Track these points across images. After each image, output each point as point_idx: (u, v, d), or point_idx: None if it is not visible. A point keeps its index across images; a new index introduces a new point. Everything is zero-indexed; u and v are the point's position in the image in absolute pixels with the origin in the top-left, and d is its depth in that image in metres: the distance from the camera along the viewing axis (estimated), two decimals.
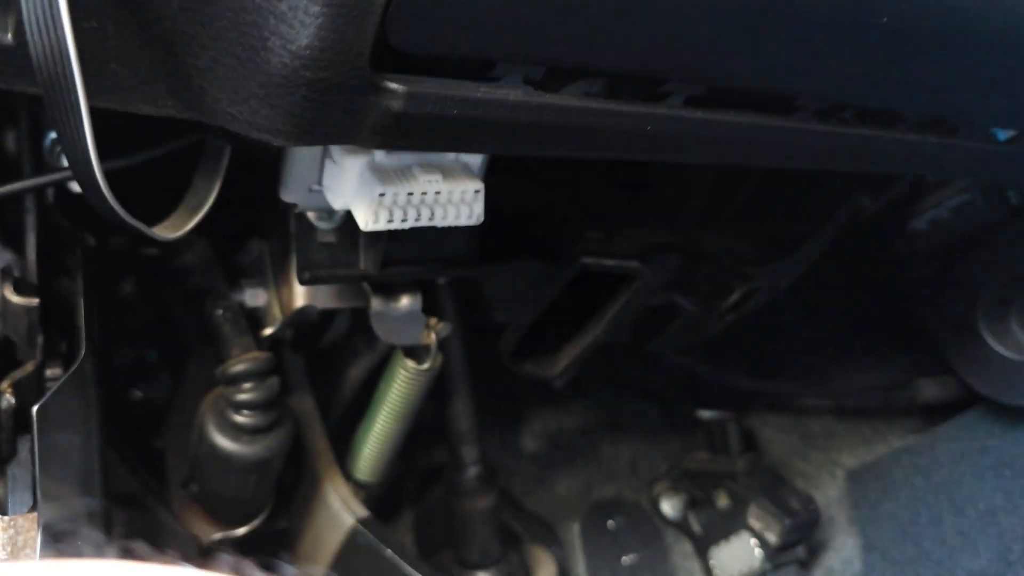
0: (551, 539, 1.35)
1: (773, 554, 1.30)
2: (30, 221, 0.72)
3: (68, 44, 0.42)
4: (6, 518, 0.65)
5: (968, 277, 1.26)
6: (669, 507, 1.43)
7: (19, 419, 0.70)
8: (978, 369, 1.27)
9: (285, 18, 0.45)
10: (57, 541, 0.65)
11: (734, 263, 1.01)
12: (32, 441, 0.67)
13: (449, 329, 0.87)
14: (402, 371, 0.92)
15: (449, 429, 1.13)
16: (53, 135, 0.72)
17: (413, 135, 0.53)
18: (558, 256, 0.86)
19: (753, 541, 1.31)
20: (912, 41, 0.64)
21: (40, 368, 0.72)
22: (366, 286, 0.84)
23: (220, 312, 0.87)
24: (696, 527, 1.39)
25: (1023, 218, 1.20)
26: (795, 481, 1.45)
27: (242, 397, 0.83)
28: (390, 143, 0.53)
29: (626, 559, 1.37)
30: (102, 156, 0.47)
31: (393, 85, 0.49)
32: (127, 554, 0.66)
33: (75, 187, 0.70)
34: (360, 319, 0.95)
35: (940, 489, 1.28)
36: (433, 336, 0.86)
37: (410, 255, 0.77)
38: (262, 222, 0.91)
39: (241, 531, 0.93)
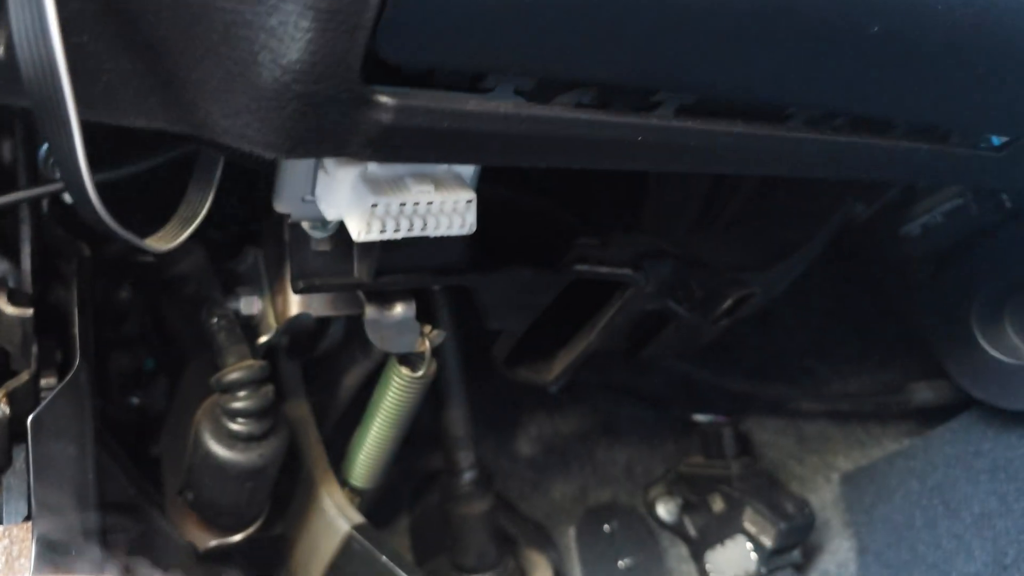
0: (547, 543, 1.35)
1: (768, 558, 1.30)
2: (25, 231, 0.72)
3: (58, 59, 0.42)
4: (1, 528, 0.65)
5: (961, 281, 1.26)
6: (665, 511, 1.43)
7: (14, 429, 0.70)
8: (972, 373, 1.27)
9: (275, 33, 0.45)
10: (52, 551, 0.65)
11: (728, 269, 1.02)
12: (27, 451, 0.67)
13: (443, 336, 0.87)
14: (396, 379, 0.92)
15: (445, 434, 1.13)
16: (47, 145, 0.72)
17: (404, 147, 0.53)
18: (552, 264, 0.86)
19: (748, 545, 1.31)
20: (903, 50, 0.64)
21: (35, 378, 0.73)
22: (360, 294, 0.84)
23: (215, 320, 0.87)
24: (692, 531, 1.40)
25: (1016, 222, 1.21)
26: (790, 485, 1.46)
27: (237, 405, 0.83)
28: (381, 155, 0.53)
29: (622, 563, 1.37)
30: (96, 167, 0.47)
31: (383, 98, 0.50)
32: (126, 573, 0.67)
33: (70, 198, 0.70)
34: (356, 326, 0.95)
35: (935, 492, 1.29)
36: (427, 344, 0.86)
37: (404, 263, 0.77)
38: (257, 230, 0.92)
39: (237, 538, 0.93)
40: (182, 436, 0.92)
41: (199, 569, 0.89)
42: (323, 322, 0.99)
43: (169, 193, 0.68)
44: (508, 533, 1.27)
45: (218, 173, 0.64)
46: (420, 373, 0.91)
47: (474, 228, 0.63)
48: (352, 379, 1.06)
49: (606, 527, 1.41)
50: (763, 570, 1.31)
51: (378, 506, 1.12)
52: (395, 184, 0.61)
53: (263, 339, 0.90)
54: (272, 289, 0.90)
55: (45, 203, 0.77)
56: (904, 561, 1.27)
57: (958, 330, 1.26)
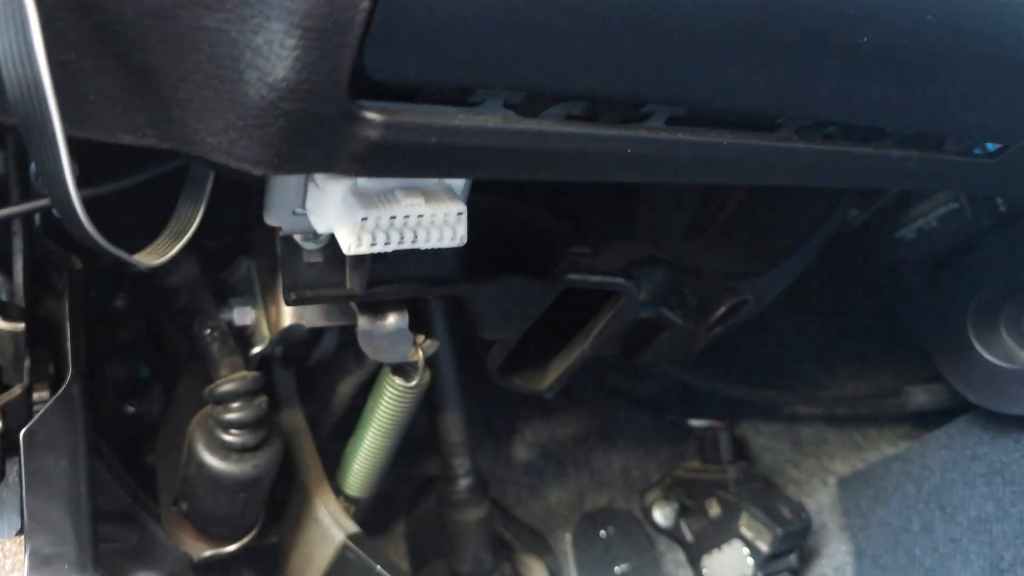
0: (543, 549, 1.35)
1: (765, 562, 1.31)
2: (17, 244, 0.72)
3: (43, 78, 0.42)
4: None
5: (957, 285, 1.26)
6: (661, 516, 1.43)
7: (7, 442, 0.70)
8: (968, 376, 1.28)
9: (261, 51, 0.45)
10: (46, 565, 0.65)
11: (721, 276, 1.01)
12: (20, 464, 0.67)
13: (436, 346, 0.87)
14: (390, 388, 0.92)
15: (441, 440, 1.13)
16: None
17: (393, 163, 0.53)
18: (544, 273, 0.86)
19: (745, 549, 1.31)
20: (894, 60, 0.64)
21: (28, 391, 0.73)
22: (353, 305, 0.84)
23: (208, 331, 0.87)
24: (688, 536, 1.40)
25: (1011, 226, 1.21)
26: (787, 489, 1.46)
27: (230, 416, 0.83)
28: (370, 171, 0.53)
29: (618, 568, 1.37)
30: (84, 182, 0.47)
31: (371, 115, 0.49)
32: None
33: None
34: (349, 335, 0.95)
35: (931, 496, 1.29)
36: (420, 354, 0.86)
37: (396, 274, 0.77)
38: (249, 241, 0.92)
39: (232, 547, 0.93)
40: (177, 445, 0.92)
41: None
42: (316, 332, 0.99)
43: (161, 204, 0.67)
44: (504, 539, 1.27)
45: (208, 187, 0.64)
46: (413, 383, 0.91)
47: (465, 240, 0.63)
48: (346, 388, 1.06)
49: (602, 532, 1.41)
50: (760, 574, 1.31)
51: (374, 512, 1.12)
52: (385, 197, 0.61)
53: (256, 350, 0.90)
54: (265, 299, 0.90)
55: (37, 217, 0.77)
56: (901, 565, 1.27)
57: (954, 334, 1.26)
